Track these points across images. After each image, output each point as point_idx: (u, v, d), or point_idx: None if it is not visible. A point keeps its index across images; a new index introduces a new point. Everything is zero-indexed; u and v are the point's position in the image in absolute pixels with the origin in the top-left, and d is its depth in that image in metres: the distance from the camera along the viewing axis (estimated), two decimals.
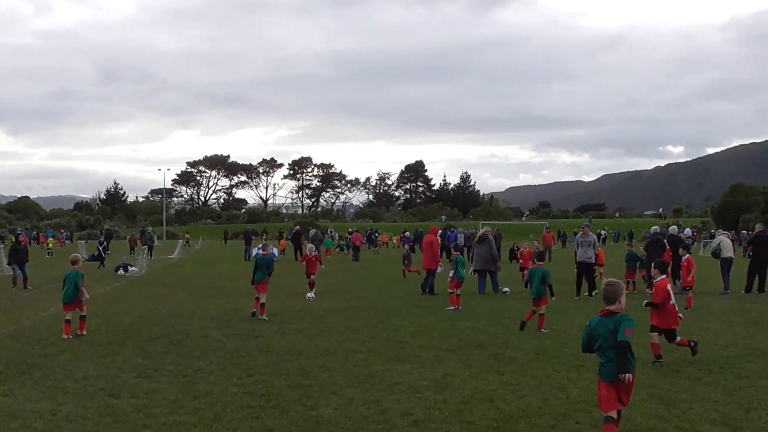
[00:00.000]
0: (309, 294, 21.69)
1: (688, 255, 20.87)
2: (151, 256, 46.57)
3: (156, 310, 18.73)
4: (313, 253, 23.17)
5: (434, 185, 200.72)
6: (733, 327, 15.80)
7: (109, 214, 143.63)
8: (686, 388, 9.84)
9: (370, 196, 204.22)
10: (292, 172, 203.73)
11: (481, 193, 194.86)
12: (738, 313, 18.27)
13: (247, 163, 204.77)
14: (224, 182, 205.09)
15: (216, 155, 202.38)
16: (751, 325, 16.12)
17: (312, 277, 22.27)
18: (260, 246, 36.74)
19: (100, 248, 40.59)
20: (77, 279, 14.38)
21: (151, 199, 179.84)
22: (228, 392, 9.50)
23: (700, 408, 8.74)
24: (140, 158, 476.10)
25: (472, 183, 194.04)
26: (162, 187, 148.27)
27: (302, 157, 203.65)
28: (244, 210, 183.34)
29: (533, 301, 15.59)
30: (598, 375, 7.12)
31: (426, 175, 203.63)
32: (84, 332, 14.28)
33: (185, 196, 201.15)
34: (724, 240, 24.89)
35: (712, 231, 68.17)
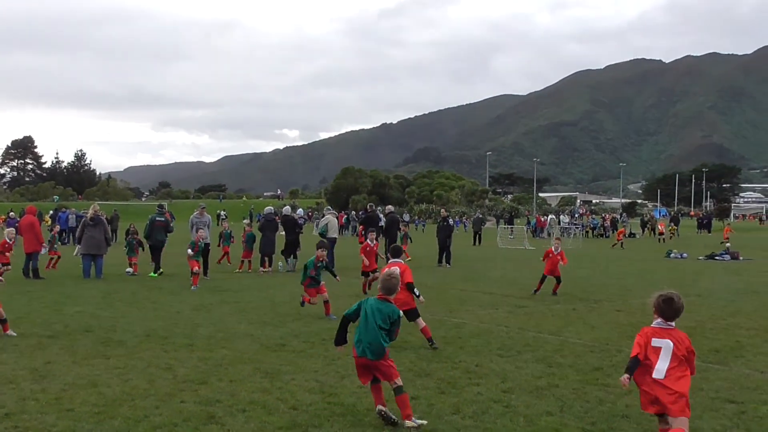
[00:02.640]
0: None
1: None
2: None
3: None
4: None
5: (45, 163, 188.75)
6: (337, 300, 16.86)
7: None
8: (290, 360, 10.31)
9: None
10: None
11: (98, 173, 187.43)
12: (340, 287, 19.38)
13: None
14: None
15: None
16: (354, 298, 17.34)
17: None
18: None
19: None
20: None
21: None
22: None
23: (301, 378, 9.21)
24: None
25: (87, 161, 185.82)
26: None
27: None
28: None
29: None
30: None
31: (36, 152, 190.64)
32: None
33: None
34: (331, 220, 26.40)
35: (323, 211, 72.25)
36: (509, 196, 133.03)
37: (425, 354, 10.88)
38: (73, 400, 8.09)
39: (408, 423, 7.26)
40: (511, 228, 52.21)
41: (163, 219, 23.80)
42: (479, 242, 44.03)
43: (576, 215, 78.90)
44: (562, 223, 62.96)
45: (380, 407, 7.46)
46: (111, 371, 9.53)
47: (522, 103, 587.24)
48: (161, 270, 22.89)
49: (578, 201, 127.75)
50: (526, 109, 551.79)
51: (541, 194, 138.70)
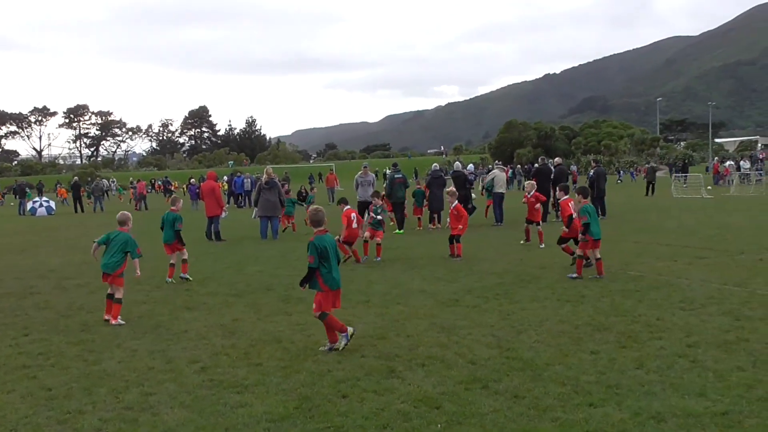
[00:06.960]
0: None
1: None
2: None
3: None
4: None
5: (219, 131, 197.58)
6: (506, 256, 16.78)
7: None
8: (465, 315, 10.36)
9: (154, 144, 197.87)
10: (67, 120, 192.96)
11: (268, 137, 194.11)
12: (512, 242, 19.40)
13: (17, 112, 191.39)
14: None
15: None
16: (526, 252, 17.22)
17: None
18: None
19: None
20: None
21: None
22: (1, 354, 8.93)
23: (477, 333, 9.23)
24: None
25: (258, 127, 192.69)
26: None
27: (78, 105, 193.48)
28: (16, 162, 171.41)
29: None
30: (327, 284, 8.97)
31: (211, 121, 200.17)
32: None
33: None
34: (498, 175, 26.18)
35: (489, 166, 71.75)
36: (682, 144, 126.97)
37: (603, 308, 10.63)
38: (261, 355, 8.49)
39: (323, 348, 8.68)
40: (685, 177, 49.82)
41: (401, 176, 24.42)
42: (652, 192, 42.41)
43: (759, 160, 74.27)
44: (742, 169, 59.52)
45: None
46: (293, 327, 9.93)
47: (693, 44, 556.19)
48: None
49: (759, 145, 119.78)
50: (698, 50, 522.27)
51: (717, 140, 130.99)
